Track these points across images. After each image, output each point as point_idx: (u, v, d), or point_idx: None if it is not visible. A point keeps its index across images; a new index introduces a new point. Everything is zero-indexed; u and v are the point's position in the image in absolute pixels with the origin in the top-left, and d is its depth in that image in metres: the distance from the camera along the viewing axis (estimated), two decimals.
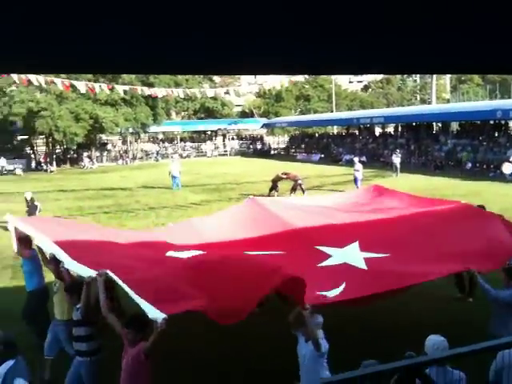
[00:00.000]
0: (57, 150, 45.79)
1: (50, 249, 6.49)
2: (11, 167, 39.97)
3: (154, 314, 4.59)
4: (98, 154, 47.57)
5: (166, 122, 51.09)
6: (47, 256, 6.91)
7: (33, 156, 45.68)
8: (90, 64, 2.12)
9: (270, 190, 21.77)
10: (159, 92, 26.03)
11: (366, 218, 8.30)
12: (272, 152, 54.48)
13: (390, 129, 48.32)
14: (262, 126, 57.63)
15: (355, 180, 22.49)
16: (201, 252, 6.82)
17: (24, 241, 7.54)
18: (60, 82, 24.07)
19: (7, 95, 38.91)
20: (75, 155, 46.51)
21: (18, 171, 38.83)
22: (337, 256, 6.76)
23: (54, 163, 42.42)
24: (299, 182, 20.86)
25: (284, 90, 58.98)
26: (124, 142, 51.80)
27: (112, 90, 27.13)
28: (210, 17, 1.53)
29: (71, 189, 27.49)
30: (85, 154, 45.58)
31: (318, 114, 57.42)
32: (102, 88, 24.10)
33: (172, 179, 25.93)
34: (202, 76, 57.22)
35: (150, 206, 20.47)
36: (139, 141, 51.98)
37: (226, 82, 68.95)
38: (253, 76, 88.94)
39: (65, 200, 23.16)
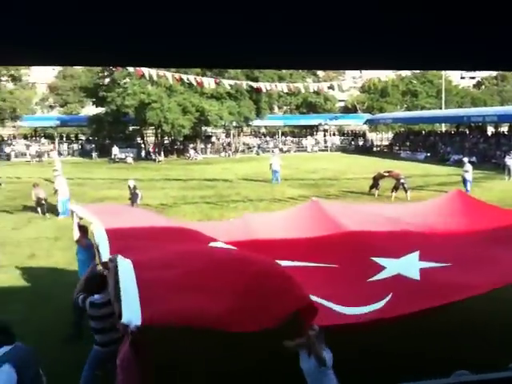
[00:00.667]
0: (165, 141, 47.92)
1: (98, 236, 6.66)
2: (123, 155, 42.57)
3: (129, 318, 4.46)
4: (202, 145, 49.18)
5: (268, 116, 51.62)
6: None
7: (143, 146, 48.21)
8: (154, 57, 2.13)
9: (371, 187, 21.26)
10: (263, 86, 26.26)
11: (433, 227, 7.95)
12: (374, 149, 53.14)
13: (504, 128, 45.19)
14: (364, 122, 56.33)
15: (464, 181, 21.21)
16: (233, 250, 6.67)
17: (82, 229, 7.92)
18: (170, 76, 25.12)
19: (121, 87, 41.24)
20: (181, 146, 48.42)
21: (129, 160, 41.20)
22: (391, 267, 6.59)
23: (162, 153, 44.47)
24: (402, 180, 20.13)
25: (390, 85, 57.20)
26: (227, 135, 53.05)
27: (218, 84, 27.80)
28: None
29: (177, 178, 28.66)
30: (190, 145, 47.34)
31: (426, 110, 55.06)
32: (209, 82, 24.75)
33: (272, 173, 26.17)
34: (306, 70, 57.10)
35: (250, 198, 20.79)
36: (242, 134, 52.97)
37: (330, 76, 68.21)
38: (357, 70, 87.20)
39: (170, 189, 24.18)
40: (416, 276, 6.29)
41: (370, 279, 6.37)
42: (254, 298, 4.86)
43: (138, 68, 32.16)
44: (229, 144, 51.33)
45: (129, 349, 4.57)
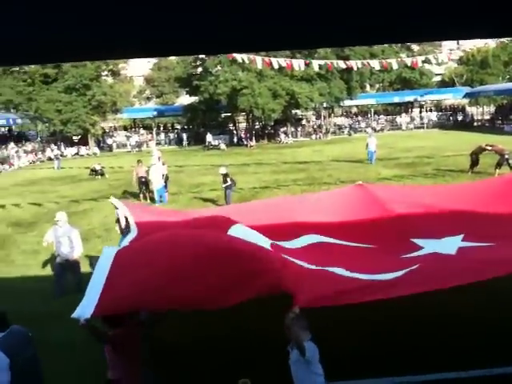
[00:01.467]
0: (256, 126, 48.43)
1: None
2: (216, 142, 43.70)
3: (80, 312, 4.58)
4: (293, 129, 49.11)
5: (359, 95, 50.33)
6: None
7: (235, 132, 49.08)
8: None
9: (472, 165, 20.07)
10: (354, 64, 25.61)
11: (484, 209, 7.46)
12: (475, 124, 50.16)
13: None
14: (464, 96, 53.12)
15: None
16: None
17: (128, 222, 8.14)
18: (260, 60, 25.26)
19: (213, 75, 42.14)
20: (272, 131, 48.70)
21: (222, 146, 42.22)
22: (429, 246, 6.34)
23: (254, 139, 45.02)
24: (506, 156, 18.84)
25: (490, 55, 53.50)
26: (318, 117, 52.53)
27: (308, 65, 27.48)
28: None
29: (268, 162, 28.92)
30: (281, 129, 47.47)
31: None
32: (299, 64, 24.52)
33: (368, 154, 25.69)
34: (399, 45, 54.88)
35: (342, 180, 20.50)
36: (332, 115, 52.20)
37: (425, 49, 65.05)
38: (455, 42, 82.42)
39: (262, 173, 24.46)
40: (452, 252, 6.07)
41: (404, 256, 6.20)
42: (220, 278, 4.96)
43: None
44: (319, 126, 50.82)
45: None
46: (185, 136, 48.74)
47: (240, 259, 5.25)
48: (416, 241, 6.64)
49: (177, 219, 7.70)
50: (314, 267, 5.82)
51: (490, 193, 8.42)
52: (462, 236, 6.60)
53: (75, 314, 4.59)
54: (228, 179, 16.13)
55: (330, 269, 5.69)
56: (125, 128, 55.33)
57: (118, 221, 8.32)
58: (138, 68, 67.18)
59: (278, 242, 6.59)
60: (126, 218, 7.84)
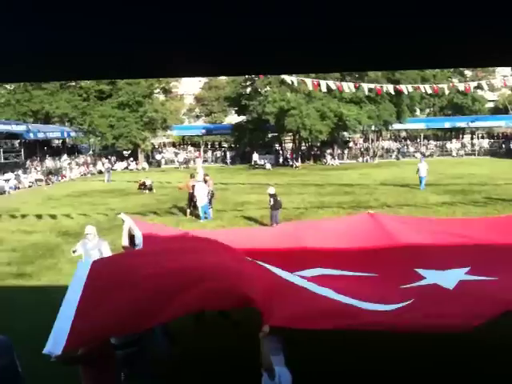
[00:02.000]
0: (302, 147, 48.43)
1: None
2: (262, 162, 43.93)
3: (51, 348, 4.33)
4: (339, 151, 48.83)
5: (409, 119, 49.63)
6: None
7: (281, 152, 49.22)
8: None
9: None
10: (405, 88, 25.33)
11: (495, 244, 7.21)
12: None
13: None
14: None
15: None
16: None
17: (132, 239, 8.17)
18: (310, 82, 25.35)
19: (262, 95, 42.57)
20: (318, 152, 48.55)
21: (268, 165, 42.39)
22: (431, 278, 6.14)
23: (299, 159, 45.00)
24: None
25: None
26: (365, 140, 52.08)
27: (358, 88, 27.36)
28: None
29: (314, 184, 28.80)
30: (327, 151, 47.27)
31: None
32: (349, 86, 24.45)
33: (419, 179, 25.35)
34: (451, 70, 54.00)
35: (388, 205, 20.18)
36: (381, 139, 51.65)
37: (478, 75, 63.74)
38: (509, 68, 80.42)
39: (307, 194, 24.36)
40: (451, 286, 5.84)
41: (403, 286, 6.02)
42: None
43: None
44: (367, 149, 50.34)
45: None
46: (228, 154, 49.29)
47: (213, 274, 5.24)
48: (419, 271, 6.49)
49: (180, 241, 7.69)
50: (295, 281, 5.83)
51: (505, 229, 8.12)
52: (467, 269, 6.40)
53: (46, 349, 4.32)
54: (273, 199, 16.09)
55: (316, 289, 5.68)
56: (174, 145, 56.49)
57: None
58: (189, 86, 68.71)
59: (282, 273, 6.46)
60: (131, 236, 8.08)
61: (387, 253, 7.15)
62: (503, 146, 51.42)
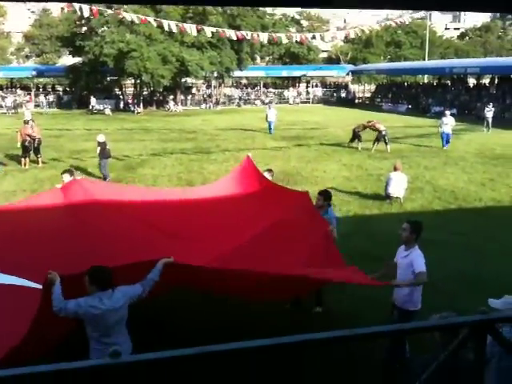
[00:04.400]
0: (144, 93, 46.97)
1: None
2: (101, 107, 41.74)
3: None
4: (182, 97, 48.32)
5: (249, 67, 50.66)
6: None
7: (121, 97, 47.26)
8: None
9: (351, 139, 21.25)
10: (245, 35, 25.58)
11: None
12: (356, 101, 52.85)
13: (486, 80, 45.19)
14: (347, 73, 55.68)
15: (442, 136, 20.97)
16: None
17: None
18: (152, 20, 24.42)
19: (99, 35, 39.95)
20: (161, 98, 47.54)
21: (107, 111, 40.46)
22: None
23: (141, 105, 43.67)
24: (383, 132, 20.11)
25: (374, 35, 56.32)
26: (208, 87, 52.17)
27: (200, 31, 26.91)
28: None
29: (156, 130, 28.29)
30: (170, 97, 46.47)
31: (409, 61, 54.59)
32: (191, 28, 23.88)
33: (268, 124, 26.71)
34: (288, 19, 55.79)
35: (229, 150, 20.69)
36: (223, 85, 52.13)
37: (314, 26, 66.89)
38: (342, 20, 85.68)
39: (149, 141, 23.88)
40: None
41: None
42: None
43: (117, 10, 31.22)
44: (209, 95, 50.56)
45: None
46: (70, 98, 45.99)
47: None
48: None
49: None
50: None
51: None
52: None
53: None
54: (100, 148, 15.21)
55: None
56: (0, 88, 50.93)
57: None
58: (17, 23, 61.92)
59: None
60: None
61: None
62: (334, 94, 55.26)
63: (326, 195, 7.29)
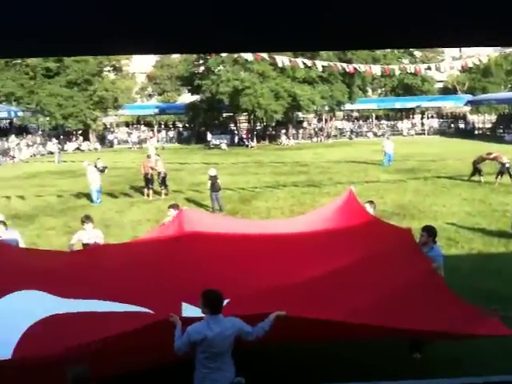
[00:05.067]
0: (257, 127, 48.44)
1: None
2: (217, 142, 43.73)
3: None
4: (294, 131, 49.13)
5: (361, 100, 50.39)
6: None
7: (236, 132, 49.11)
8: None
9: (472, 173, 20.11)
10: (357, 68, 25.56)
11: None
12: (476, 132, 50.23)
13: None
14: (465, 104, 53.21)
15: None
16: None
17: None
18: (266, 56, 25.22)
19: (215, 74, 42.16)
20: (273, 132, 48.72)
21: (223, 146, 42.25)
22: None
23: (255, 139, 45.03)
24: (507, 165, 18.85)
25: (493, 64, 53.59)
26: (319, 120, 52.57)
27: (312, 66, 27.29)
28: None
29: (269, 163, 28.93)
30: (282, 131, 47.49)
31: None
32: (303, 62, 24.35)
33: (385, 156, 26.45)
34: (401, 51, 54.93)
35: (342, 183, 20.55)
36: (334, 118, 52.26)
37: (428, 56, 65.14)
38: (457, 49, 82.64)
39: (262, 174, 24.47)
40: None
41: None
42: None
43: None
44: (321, 129, 50.85)
45: None
46: (189, 134, 48.65)
47: None
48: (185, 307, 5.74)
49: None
50: None
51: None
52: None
53: None
54: (210, 181, 15.77)
55: None
56: (127, 124, 55.36)
57: None
58: (141, 65, 67.17)
59: None
60: None
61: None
62: (452, 125, 53.03)
63: (430, 231, 6.77)
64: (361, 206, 8.01)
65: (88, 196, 18.82)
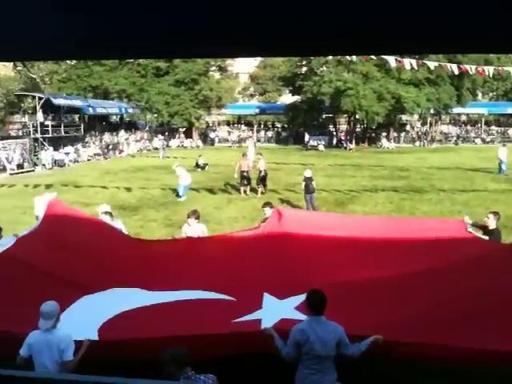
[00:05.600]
0: (357, 129, 47.62)
1: None
2: (315, 143, 43.56)
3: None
4: (395, 134, 47.70)
5: (470, 104, 47.74)
6: None
7: (334, 133, 48.61)
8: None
9: None
10: (469, 69, 24.21)
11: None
12: None
13: None
14: None
15: None
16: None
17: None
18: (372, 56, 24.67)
19: (318, 75, 42.00)
20: (373, 135, 47.61)
21: (321, 147, 41.99)
22: (266, 310, 5.52)
23: (354, 141, 44.28)
24: None
25: None
26: (423, 124, 50.61)
27: (421, 65, 26.23)
28: None
29: (367, 167, 28.30)
30: (383, 133, 46.27)
31: None
32: (411, 63, 23.49)
33: (499, 164, 25.00)
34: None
35: (445, 191, 19.61)
36: (439, 122, 50.03)
37: None
38: None
39: (360, 177, 23.98)
40: (269, 323, 5.08)
41: (235, 320, 5.36)
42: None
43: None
44: (425, 133, 48.90)
45: None
46: (287, 134, 48.97)
47: None
48: (266, 295, 5.83)
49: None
50: None
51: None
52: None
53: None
54: (305, 183, 15.73)
55: None
56: (228, 123, 56.81)
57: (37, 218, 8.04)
58: (244, 65, 68.61)
59: None
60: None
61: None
62: None
63: None
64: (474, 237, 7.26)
65: (189, 192, 19.53)
